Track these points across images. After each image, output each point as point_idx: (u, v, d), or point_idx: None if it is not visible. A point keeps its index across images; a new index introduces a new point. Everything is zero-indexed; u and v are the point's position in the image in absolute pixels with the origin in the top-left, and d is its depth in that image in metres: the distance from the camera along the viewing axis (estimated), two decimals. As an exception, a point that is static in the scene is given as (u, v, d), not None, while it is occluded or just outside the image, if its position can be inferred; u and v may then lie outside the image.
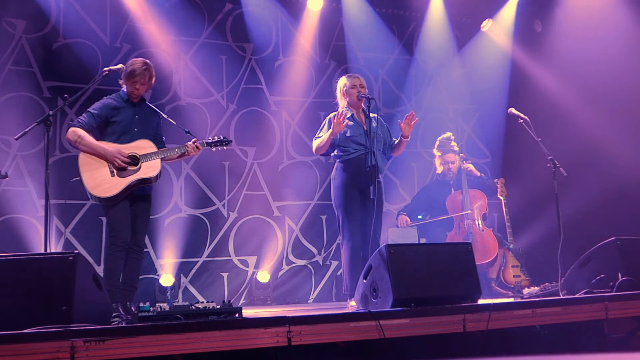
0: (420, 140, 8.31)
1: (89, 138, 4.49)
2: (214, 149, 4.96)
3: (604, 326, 4.30)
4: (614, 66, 6.80)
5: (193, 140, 4.76)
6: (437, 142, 6.64)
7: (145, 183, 4.61)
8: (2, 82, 6.57)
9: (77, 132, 4.47)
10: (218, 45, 7.64)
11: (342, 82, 5.22)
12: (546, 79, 7.67)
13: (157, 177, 4.62)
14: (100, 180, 4.45)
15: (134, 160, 4.54)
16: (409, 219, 6.33)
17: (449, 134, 6.66)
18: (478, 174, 6.51)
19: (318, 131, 5.22)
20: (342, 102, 5.24)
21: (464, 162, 6.55)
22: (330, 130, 4.95)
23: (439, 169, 6.63)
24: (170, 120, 5.02)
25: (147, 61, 4.71)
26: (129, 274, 4.60)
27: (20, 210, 6.44)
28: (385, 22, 8.38)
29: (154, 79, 4.74)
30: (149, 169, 4.57)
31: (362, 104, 5.15)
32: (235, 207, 7.45)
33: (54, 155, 6.62)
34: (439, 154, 6.58)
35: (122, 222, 4.53)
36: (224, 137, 4.97)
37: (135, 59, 4.75)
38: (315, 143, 5.13)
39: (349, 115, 5.13)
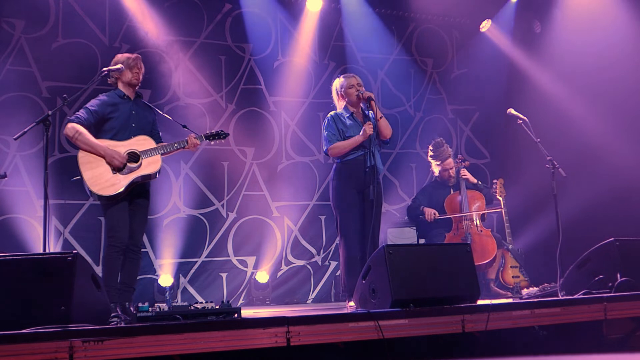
0: (420, 141, 8.32)
1: (87, 135, 4.48)
2: (212, 142, 4.99)
3: (603, 327, 4.29)
4: (612, 67, 6.81)
5: (191, 134, 4.79)
6: (431, 152, 6.58)
7: (147, 179, 4.61)
8: (1, 82, 6.57)
9: (76, 128, 4.47)
10: (217, 45, 7.64)
11: (339, 82, 5.20)
12: (545, 79, 7.67)
13: (158, 172, 4.63)
14: (102, 179, 4.45)
15: (134, 157, 4.54)
16: (437, 212, 6.30)
17: (439, 139, 6.62)
18: (475, 181, 6.50)
19: (329, 133, 5.09)
20: (340, 104, 5.23)
21: (462, 162, 6.54)
22: (361, 133, 4.94)
23: (437, 172, 6.61)
24: (167, 116, 5.03)
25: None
26: (127, 274, 4.59)
27: (19, 211, 6.44)
28: (385, 23, 8.39)
29: (144, 68, 4.85)
30: (150, 164, 4.58)
31: (361, 104, 5.14)
32: (234, 207, 7.45)
33: (52, 155, 6.62)
34: (437, 162, 6.54)
35: (121, 222, 4.52)
36: (222, 130, 5.00)
37: (118, 55, 4.82)
38: (339, 146, 5.01)
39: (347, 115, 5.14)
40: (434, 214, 6.29)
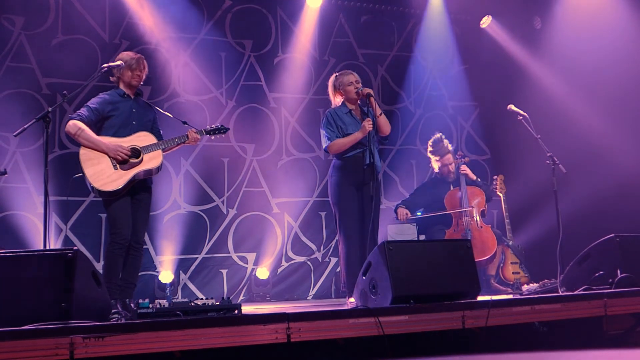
0: (420, 138, 8.31)
1: (89, 132, 4.48)
2: (213, 137, 5.00)
3: (603, 323, 4.29)
4: (613, 63, 6.79)
5: (192, 129, 4.80)
6: (430, 147, 6.55)
7: (148, 175, 4.62)
8: (1, 79, 6.58)
9: (77, 125, 4.47)
10: (217, 41, 7.63)
11: (336, 79, 5.18)
12: (545, 75, 7.66)
13: (159, 168, 4.63)
14: (104, 175, 4.44)
15: (136, 152, 4.54)
16: (409, 212, 6.29)
17: (438, 134, 6.60)
18: (474, 177, 6.48)
19: (328, 131, 5.07)
20: (336, 100, 5.21)
21: (462, 159, 6.52)
22: (360, 130, 4.94)
23: (437, 168, 6.60)
24: (167, 113, 5.04)
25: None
26: (129, 271, 4.60)
27: (19, 207, 6.45)
28: (385, 19, 8.38)
29: (147, 68, 4.81)
30: (152, 160, 4.58)
31: (359, 101, 5.13)
32: (235, 203, 7.45)
33: (53, 151, 6.62)
34: (436, 158, 6.53)
35: (124, 219, 4.52)
36: (222, 125, 5.01)
37: (123, 52, 4.80)
38: (339, 143, 5.00)
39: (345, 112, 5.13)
40: (406, 214, 6.28)
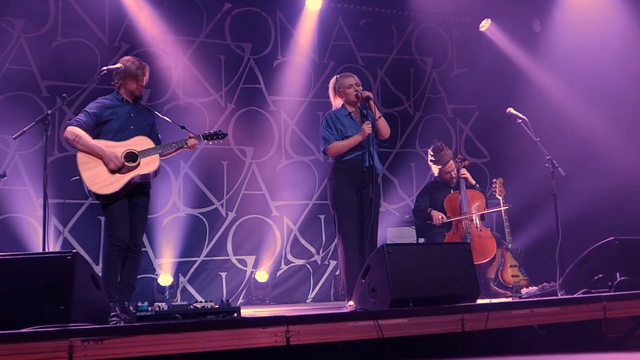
0: (419, 141, 8.32)
1: (86, 137, 4.49)
2: (210, 143, 5.00)
3: (602, 326, 4.30)
4: (612, 66, 6.80)
5: (190, 134, 4.80)
6: (431, 156, 6.47)
7: (145, 179, 4.62)
8: (1, 81, 6.58)
9: (75, 131, 4.48)
10: (217, 44, 7.64)
11: (337, 81, 5.18)
12: (545, 78, 7.67)
13: (156, 172, 4.63)
14: (100, 178, 4.45)
15: (133, 157, 4.55)
16: (444, 217, 6.23)
17: (438, 143, 6.54)
18: (473, 182, 6.47)
19: (326, 133, 5.05)
20: (336, 102, 5.21)
21: (462, 162, 6.51)
22: (360, 133, 4.94)
23: (437, 173, 6.57)
24: (165, 118, 5.04)
25: (137, 58, 4.82)
26: (127, 273, 4.60)
27: (18, 210, 6.45)
28: (384, 22, 8.38)
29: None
30: (148, 164, 4.59)
31: (359, 104, 5.13)
32: (234, 206, 7.45)
33: (52, 154, 6.62)
34: (439, 167, 6.46)
35: (121, 221, 4.53)
36: (220, 131, 5.01)
37: (125, 58, 4.79)
38: (338, 146, 4.98)
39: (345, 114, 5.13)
40: (442, 217, 6.19)
